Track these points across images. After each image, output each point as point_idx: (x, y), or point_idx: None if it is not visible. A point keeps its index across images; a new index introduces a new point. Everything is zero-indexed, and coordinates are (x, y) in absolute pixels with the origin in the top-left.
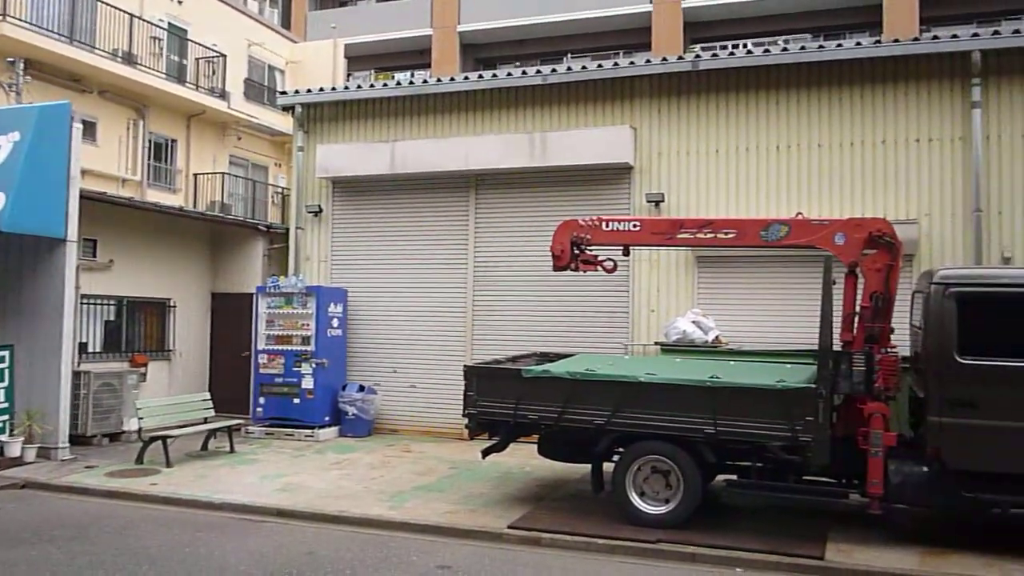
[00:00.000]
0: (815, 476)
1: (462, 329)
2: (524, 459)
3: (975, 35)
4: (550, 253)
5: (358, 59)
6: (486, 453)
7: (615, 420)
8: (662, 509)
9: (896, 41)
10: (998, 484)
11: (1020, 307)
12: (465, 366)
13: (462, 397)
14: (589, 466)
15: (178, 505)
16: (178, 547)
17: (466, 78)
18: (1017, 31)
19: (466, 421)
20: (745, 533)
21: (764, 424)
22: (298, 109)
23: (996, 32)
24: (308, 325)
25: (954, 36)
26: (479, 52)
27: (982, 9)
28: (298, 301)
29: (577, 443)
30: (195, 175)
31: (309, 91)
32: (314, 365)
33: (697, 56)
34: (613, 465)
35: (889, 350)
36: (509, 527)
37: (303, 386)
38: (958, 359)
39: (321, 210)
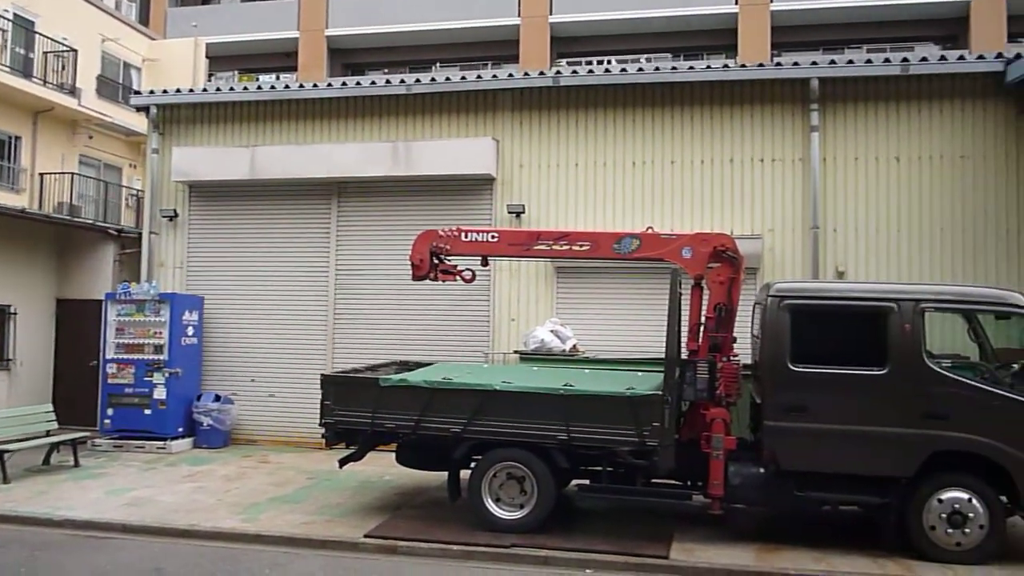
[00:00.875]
0: (662, 479)
1: (323, 337)
2: (383, 468)
3: (814, 63)
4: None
5: (221, 59)
6: (343, 462)
7: (471, 428)
8: (517, 514)
9: (743, 66)
10: (827, 483)
11: (845, 318)
12: (322, 375)
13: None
14: (447, 474)
15: (15, 523)
16: (13, 567)
17: (329, 85)
18: (851, 61)
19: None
20: (596, 535)
21: (614, 430)
22: (153, 110)
23: (832, 61)
24: (161, 333)
25: (795, 64)
26: (347, 57)
27: (827, 37)
28: (150, 308)
29: (435, 451)
30: (41, 175)
31: (165, 92)
32: (167, 375)
33: (558, 72)
34: (470, 472)
35: (731, 358)
36: (365, 536)
37: (155, 396)
38: (791, 367)
39: (177, 215)
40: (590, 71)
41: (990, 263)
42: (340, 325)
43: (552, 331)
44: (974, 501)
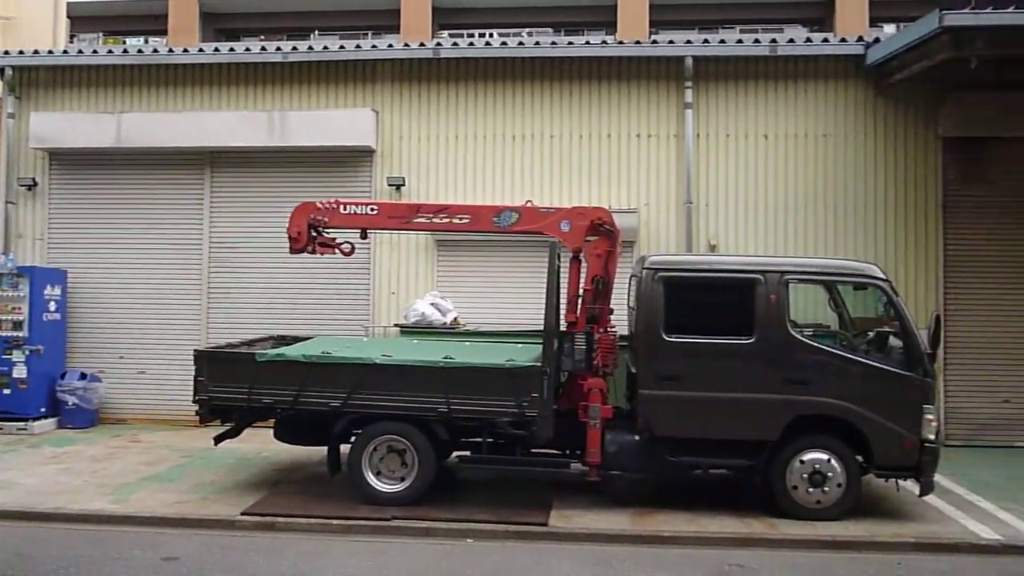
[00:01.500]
0: (541, 448)
1: (197, 312)
2: (261, 444)
3: (688, 42)
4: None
5: (83, 20)
6: (219, 440)
7: (351, 402)
8: (398, 487)
9: (621, 43)
10: (699, 448)
11: (716, 290)
12: (195, 350)
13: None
14: (327, 449)
15: None
16: None
17: (201, 50)
18: (723, 41)
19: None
20: (477, 506)
21: (494, 401)
22: (8, 72)
23: (706, 41)
24: (20, 309)
25: (670, 42)
26: (221, 22)
27: (704, 17)
28: (8, 283)
29: (314, 426)
30: None
31: (21, 52)
32: (27, 352)
33: (439, 44)
34: (350, 446)
35: (608, 330)
36: (242, 513)
37: (15, 375)
38: (664, 337)
39: (36, 184)
40: (471, 43)
41: (849, 236)
42: (215, 300)
43: (433, 304)
44: (833, 461)
